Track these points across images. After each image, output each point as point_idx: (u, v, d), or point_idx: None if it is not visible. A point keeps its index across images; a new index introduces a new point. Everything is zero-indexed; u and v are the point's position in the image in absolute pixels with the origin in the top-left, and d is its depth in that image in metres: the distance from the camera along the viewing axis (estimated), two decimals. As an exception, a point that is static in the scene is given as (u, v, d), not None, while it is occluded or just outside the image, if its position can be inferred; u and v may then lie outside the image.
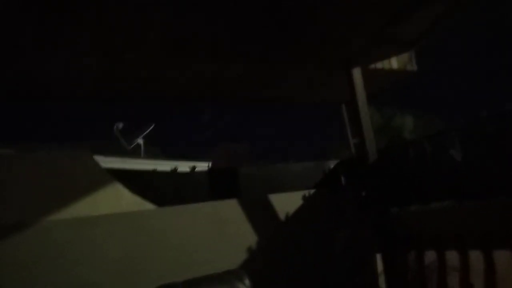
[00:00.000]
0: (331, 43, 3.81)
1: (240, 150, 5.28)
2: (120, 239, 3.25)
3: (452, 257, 3.14)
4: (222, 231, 3.65)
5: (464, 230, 3.08)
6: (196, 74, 4.06)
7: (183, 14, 3.05)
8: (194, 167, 4.66)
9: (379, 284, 3.87)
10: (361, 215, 3.92)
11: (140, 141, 9.48)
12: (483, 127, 3.17)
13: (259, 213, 3.87)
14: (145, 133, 9.63)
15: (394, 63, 4.40)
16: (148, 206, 3.62)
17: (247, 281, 2.61)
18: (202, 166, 5.40)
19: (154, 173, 4.54)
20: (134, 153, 8.87)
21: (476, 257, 2.97)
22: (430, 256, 3.34)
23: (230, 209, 3.75)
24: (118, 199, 3.48)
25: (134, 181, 3.73)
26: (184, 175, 4.61)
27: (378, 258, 3.87)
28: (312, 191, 4.12)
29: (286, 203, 3.97)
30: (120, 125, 9.42)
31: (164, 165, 7.20)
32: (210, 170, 4.84)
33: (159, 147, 9.77)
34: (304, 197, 4.03)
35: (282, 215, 3.94)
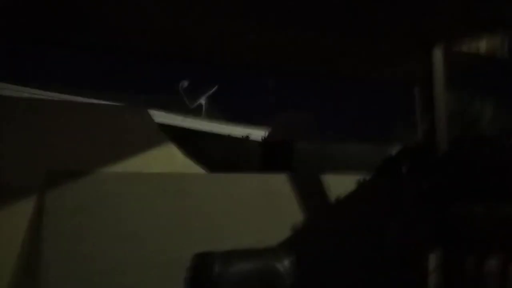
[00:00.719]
0: (412, 18, 3.47)
1: (301, 120, 5.13)
2: (168, 198, 3.29)
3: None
4: (270, 206, 3.58)
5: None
6: (271, 41, 3.89)
7: None
8: (247, 136, 4.61)
9: (428, 284, 3.67)
10: (419, 209, 3.70)
11: (202, 101, 9.59)
12: None
13: (310, 192, 3.74)
14: (208, 93, 9.72)
15: (482, 46, 3.96)
16: (199, 169, 3.62)
17: (286, 262, 2.50)
18: (259, 134, 5.34)
19: (209, 135, 4.55)
20: (195, 113, 9.00)
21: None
22: (492, 263, 3.08)
23: (281, 183, 3.65)
24: (170, 160, 3.50)
25: (188, 142, 3.76)
26: (238, 141, 4.59)
27: (431, 257, 3.63)
28: (368, 177, 3.92)
29: (339, 185, 3.80)
30: (186, 83, 9.59)
31: (223, 129, 7.27)
32: (264, 141, 4.77)
33: (220, 110, 9.82)
34: (359, 182, 3.85)
35: (333, 198, 3.79)
